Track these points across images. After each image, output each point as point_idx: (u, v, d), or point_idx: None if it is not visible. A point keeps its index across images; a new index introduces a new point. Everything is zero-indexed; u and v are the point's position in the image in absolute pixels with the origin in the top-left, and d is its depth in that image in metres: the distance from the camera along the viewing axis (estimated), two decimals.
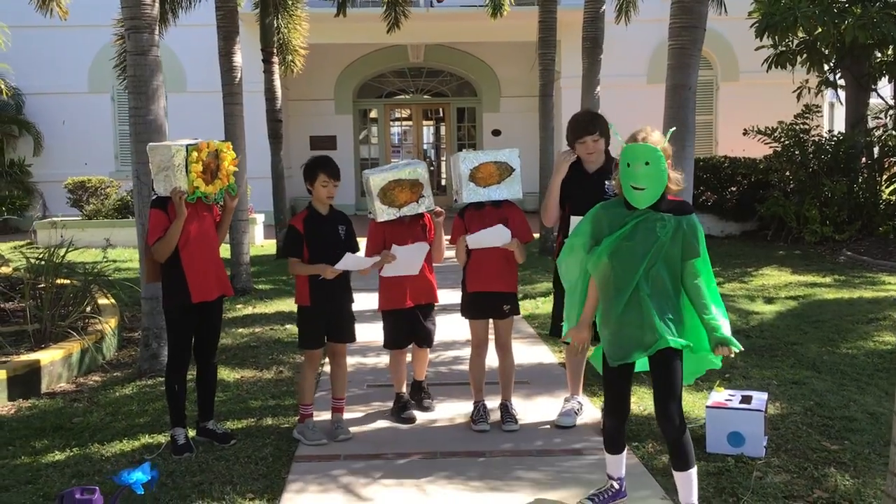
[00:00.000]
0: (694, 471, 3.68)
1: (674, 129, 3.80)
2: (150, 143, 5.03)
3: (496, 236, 4.88)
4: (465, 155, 4.94)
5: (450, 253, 5.18)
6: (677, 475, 3.70)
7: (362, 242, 5.12)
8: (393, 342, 5.27)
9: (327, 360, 5.31)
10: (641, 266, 3.58)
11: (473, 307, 5.09)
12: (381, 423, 5.22)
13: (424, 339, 5.31)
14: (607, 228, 3.70)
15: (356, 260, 4.85)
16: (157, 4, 6.39)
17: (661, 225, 3.59)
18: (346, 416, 5.13)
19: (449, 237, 5.13)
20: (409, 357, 5.48)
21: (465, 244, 4.92)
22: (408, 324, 5.19)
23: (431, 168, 21.79)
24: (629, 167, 3.59)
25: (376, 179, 4.94)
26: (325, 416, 5.11)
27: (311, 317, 4.98)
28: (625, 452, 3.97)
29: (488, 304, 5.05)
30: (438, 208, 5.14)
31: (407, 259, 5.00)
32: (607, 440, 3.93)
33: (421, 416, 5.28)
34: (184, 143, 4.68)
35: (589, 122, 4.86)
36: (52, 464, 4.62)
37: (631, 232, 3.63)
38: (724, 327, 3.63)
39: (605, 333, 3.75)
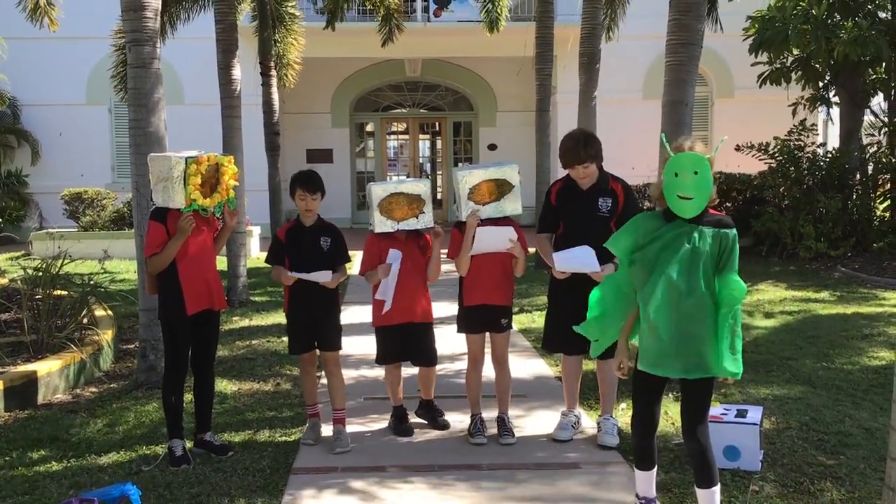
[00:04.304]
0: (717, 489, 3.67)
1: (725, 138, 3.79)
2: (151, 154, 5.05)
3: (503, 236, 4.89)
4: (464, 173, 4.92)
5: (447, 266, 5.19)
6: (700, 492, 3.69)
7: (359, 254, 5.15)
8: (383, 358, 5.27)
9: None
10: (679, 279, 3.56)
11: (470, 321, 5.10)
12: (379, 436, 5.23)
13: (422, 358, 5.26)
14: (642, 239, 3.67)
15: (307, 273, 4.84)
16: (157, 17, 6.43)
17: (699, 237, 3.57)
18: (346, 428, 5.12)
19: (446, 251, 5.13)
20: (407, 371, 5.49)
21: (469, 245, 4.88)
22: (400, 340, 5.16)
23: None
24: (677, 177, 3.55)
25: (378, 190, 4.97)
26: (327, 427, 5.12)
27: (290, 323, 5.14)
28: (655, 470, 3.91)
29: (486, 318, 5.06)
30: (438, 228, 5.15)
31: (392, 280, 5.00)
32: (636, 454, 3.90)
33: (418, 430, 5.29)
34: (184, 155, 4.70)
35: (579, 151, 4.81)
36: (50, 475, 4.62)
37: (669, 242, 3.60)
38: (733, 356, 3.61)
39: (642, 341, 3.71)
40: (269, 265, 5.11)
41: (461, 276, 5.06)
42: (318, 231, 5.02)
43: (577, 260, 4.73)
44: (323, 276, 4.86)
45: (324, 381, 5.26)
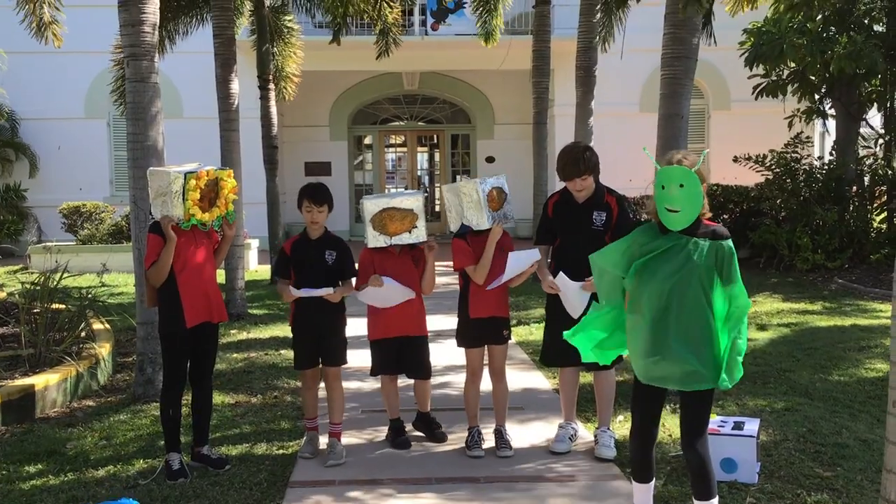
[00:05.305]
0: (715, 502, 3.67)
1: (707, 150, 3.86)
2: (151, 168, 5.07)
3: (530, 259, 4.92)
4: (479, 181, 4.92)
5: (442, 279, 5.19)
6: None
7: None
8: (377, 369, 5.28)
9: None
10: (672, 290, 3.57)
11: (472, 334, 5.10)
12: (377, 449, 5.23)
13: (417, 371, 5.28)
14: (638, 251, 3.68)
15: (301, 292, 4.85)
16: (156, 32, 6.46)
17: (694, 248, 3.59)
18: (342, 441, 5.11)
19: (451, 264, 5.12)
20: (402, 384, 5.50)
21: (491, 254, 4.89)
22: (394, 352, 5.17)
23: (426, 194, 21.82)
24: (664, 189, 3.59)
25: (370, 205, 4.99)
26: (324, 439, 5.13)
27: (296, 337, 5.13)
28: (653, 483, 3.90)
29: (488, 330, 5.07)
30: (432, 242, 5.16)
31: (386, 293, 5.01)
32: (634, 467, 3.90)
33: (416, 442, 5.29)
34: (183, 169, 4.71)
35: (578, 163, 4.85)
36: (47, 489, 4.62)
37: (663, 255, 3.61)
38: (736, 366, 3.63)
39: (641, 361, 3.70)
40: (268, 278, 5.12)
41: (479, 284, 5.01)
42: (324, 244, 5.02)
43: (569, 292, 4.81)
44: (324, 291, 4.86)
45: (322, 393, 5.25)
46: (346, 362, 5.13)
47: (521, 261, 4.91)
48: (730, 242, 3.65)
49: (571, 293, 4.80)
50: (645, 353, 3.64)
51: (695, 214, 3.59)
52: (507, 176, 5.19)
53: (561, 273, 4.84)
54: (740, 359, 3.61)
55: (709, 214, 3.70)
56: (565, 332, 4.07)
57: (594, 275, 3.97)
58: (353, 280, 5.10)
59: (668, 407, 5.49)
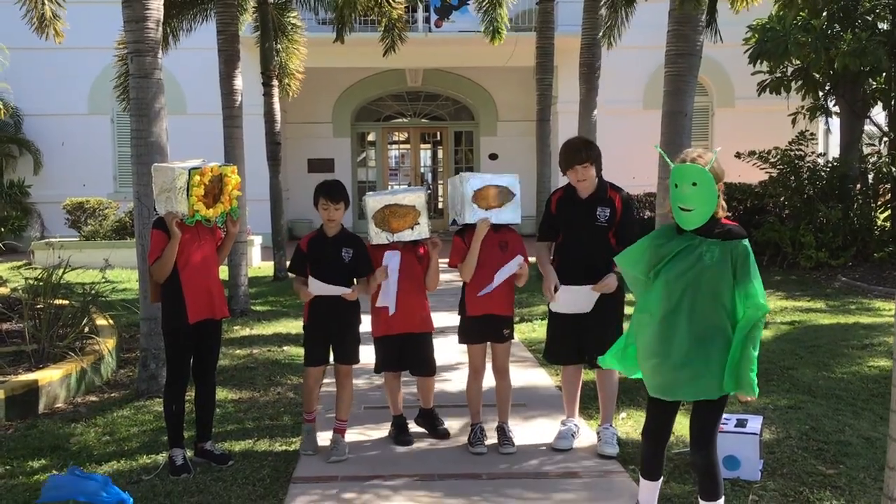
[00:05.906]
0: (721, 502, 3.65)
1: (719, 149, 3.82)
2: (155, 164, 5.08)
3: (515, 264, 4.97)
4: (469, 176, 4.94)
5: (447, 276, 5.20)
6: None
7: None
8: (381, 366, 5.27)
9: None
10: (683, 291, 3.53)
11: (473, 331, 5.10)
12: (379, 445, 5.23)
13: (421, 368, 5.27)
14: (655, 254, 3.65)
15: (321, 286, 4.85)
16: (159, 28, 6.46)
17: (707, 249, 3.54)
18: (345, 437, 5.13)
19: (448, 260, 5.14)
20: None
21: (477, 250, 4.92)
22: (399, 350, 5.17)
23: (429, 191, 21.84)
24: (677, 188, 3.55)
25: (372, 202, 4.99)
26: (329, 435, 5.13)
27: (308, 335, 5.10)
28: (660, 482, 3.88)
29: (488, 328, 5.06)
30: (435, 238, 5.16)
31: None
32: (644, 464, 3.87)
33: (418, 439, 5.29)
34: (187, 165, 4.72)
35: (579, 151, 4.86)
36: None
37: (676, 256, 3.57)
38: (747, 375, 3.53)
39: (646, 363, 3.68)
40: (271, 275, 5.12)
41: (465, 281, 5.04)
42: (341, 242, 5.01)
43: (573, 304, 4.85)
44: (341, 291, 4.86)
45: (329, 389, 5.24)
46: (358, 361, 5.12)
47: (508, 267, 4.95)
48: (745, 242, 3.57)
49: (579, 302, 4.83)
50: (648, 354, 3.63)
51: (708, 213, 3.54)
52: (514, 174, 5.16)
53: (561, 289, 4.84)
54: (752, 367, 3.50)
55: (721, 215, 3.64)
56: (599, 359, 4.06)
57: (626, 280, 3.98)
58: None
59: None
